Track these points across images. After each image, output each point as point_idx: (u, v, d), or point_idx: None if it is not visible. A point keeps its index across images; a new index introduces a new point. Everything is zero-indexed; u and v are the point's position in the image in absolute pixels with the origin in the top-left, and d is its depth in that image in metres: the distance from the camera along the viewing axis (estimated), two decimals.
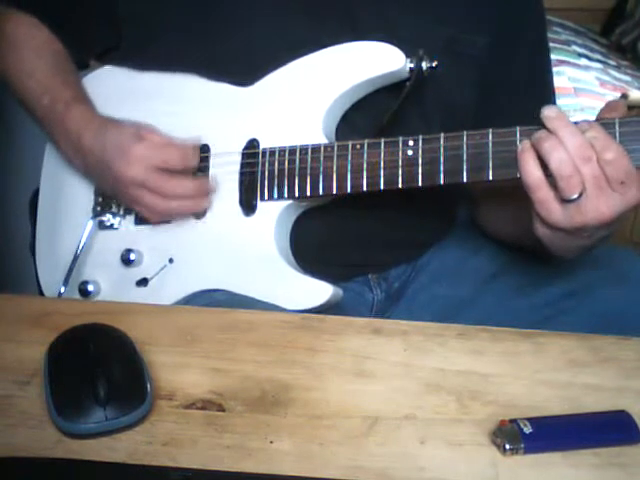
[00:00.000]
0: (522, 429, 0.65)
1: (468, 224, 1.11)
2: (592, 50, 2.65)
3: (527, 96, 1.02)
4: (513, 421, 0.66)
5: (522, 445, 0.65)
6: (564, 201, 0.79)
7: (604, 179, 0.77)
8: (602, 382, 0.74)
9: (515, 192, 0.85)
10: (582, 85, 2.29)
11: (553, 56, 2.52)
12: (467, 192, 1.07)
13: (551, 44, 2.61)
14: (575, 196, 0.78)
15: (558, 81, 2.27)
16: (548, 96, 1.06)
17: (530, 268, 1.01)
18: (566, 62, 2.42)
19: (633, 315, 0.93)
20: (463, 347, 0.78)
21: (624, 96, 1.97)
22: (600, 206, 0.78)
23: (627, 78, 2.46)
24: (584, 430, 0.67)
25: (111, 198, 1.00)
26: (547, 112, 0.81)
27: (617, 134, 0.80)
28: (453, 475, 0.64)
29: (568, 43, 2.62)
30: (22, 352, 0.75)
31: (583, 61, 2.50)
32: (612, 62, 2.59)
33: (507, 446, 0.65)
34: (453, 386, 0.73)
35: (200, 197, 0.95)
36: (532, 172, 0.80)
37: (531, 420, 0.66)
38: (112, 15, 1.00)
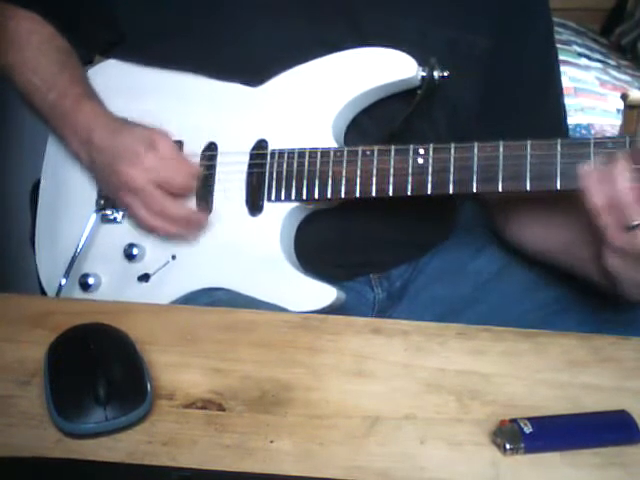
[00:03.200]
0: (522, 429, 0.65)
1: (470, 225, 1.11)
2: (592, 50, 2.65)
3: (534, 96, 1.01)
4: (513, 421, 0.66)
5: (522, 445, 0.65)
6: (626, 228, 0.77)
7: None
8: (602, 382, 0.74)
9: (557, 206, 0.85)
10: (582, 85, 2.29)
11: None
12: (493, 206, 1.05)
13: None
14: (636, 223, 0.77)
15: None
16: (555, 96, 1.06)
17: (532, 269, 1.01)
18: (566, 62, 2.42)
19: (633, 314, 0.93)
20: (463, 347, 0.78)
21: (624, 96, 1.97)
22: None
23: (627, 78, 2.46)
24: (584, 430, 0.67)
25: None
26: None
27: None
28: (453, 475, 0.64)
29: (568, 43, 2.62)
30: (22, 352, 0.75)
31: (583, 61, 2.50)
32: (612, 62, 2.59)
33: (507, 446, 0.65)
34: (453, 386, 0.73)
35: (187, 227, 0.95)
36: (599, 196, 0.78)
37: (531, 420, 0.66)
38: (115, 12, 1.00)
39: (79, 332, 0.73)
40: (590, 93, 2.26)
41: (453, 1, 0.96)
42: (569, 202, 0.87)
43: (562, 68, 2.48)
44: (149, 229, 0.96)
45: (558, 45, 2.59)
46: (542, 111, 1.02)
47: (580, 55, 2.54)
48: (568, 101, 2.14)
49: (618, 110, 2.10)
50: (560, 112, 1.06)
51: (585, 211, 0.80)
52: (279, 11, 0.95)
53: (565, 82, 2.32)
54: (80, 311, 0.82)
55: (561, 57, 2.57)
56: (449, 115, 0.98)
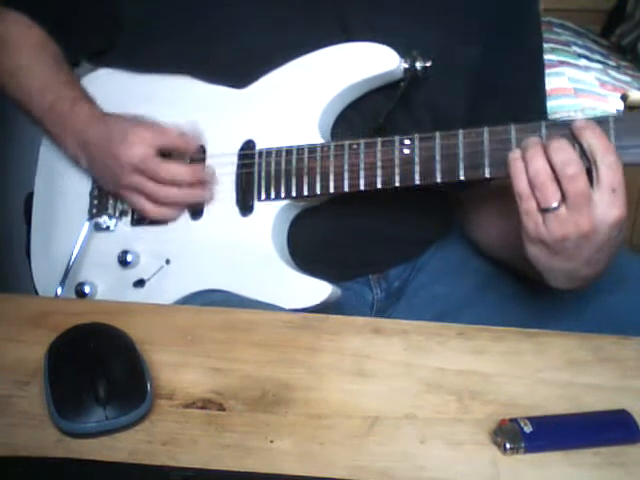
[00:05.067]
0: (522, 428, 0.65)
1: None
2: (592, 51, 2.65)
3: (520, 104, 1.01)
4: (513, 420, 0.66)
5: (523, 444, 0.65)
6: (542, 211, 0.79)
7: (585, 195, 0.78)
8: (602, 382, 0.74)
9: (504, 205, 0.85)
10: (582, 86, 2.29)
11: (553, 57, 2.53)
12: (459, 204, 1.07)
13: (551, 45, 2.62)
14: (553, 205, 0.78)
15: (558, 82, 2.28)
16: (540, 104, 1.06)
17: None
18: (566, 63, 2.42)
19: (633, 317, 0.93)
20: (463, 347, 0.78)
21: (624, 97, 1.97)
22: (579, 219, 0.78)
23: (627, 79, 2.46)
24: (584, 429, 0.67)
25: (107, 199, 1.01)
26: (577, 123, 0.81)
27: (611, 131, 0.80)
28: (453, 474, 0.64)
29: (568, 44, 2.62)
30: (22, 352, 0.75)
31: (583, 62, 2.50)
32: (612, 63, 2.59)
33: (508, 445, 0.65)
34: (453, 386, 0.73)
35: (197, 185, 0.95)
36: (524, 181, 0.80)
37: (532, 419, 0.66)
38: (105, 15, 1.00)
39: (79, 332, 0.73)
40: (590, 94, 2.25)
41: (444, 8, 0.96)
42: (506, 193, 0.88)
43: (562, 69, 2.49)
44: (164, 202, 0.96)
45: (558, 46, 2.59)
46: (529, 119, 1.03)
47: (580, 56, 2.54)
48: (568, 102, 2.14)
49: (618, 111, 2.10)
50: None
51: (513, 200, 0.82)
52: (272, 16, 0.95)
53: (565, 83, 2.33)
54: (80, 311, 0.82)
55: (561, 58, 2.57)
56: (434, 119, 0.98)
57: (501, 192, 0.91)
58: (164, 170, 0.94)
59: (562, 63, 2.40)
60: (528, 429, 0.65)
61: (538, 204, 0.80)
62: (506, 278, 1.02)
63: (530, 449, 0.65)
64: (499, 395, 0.72)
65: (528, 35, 1.03)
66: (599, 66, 2.51)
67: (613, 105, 2.18)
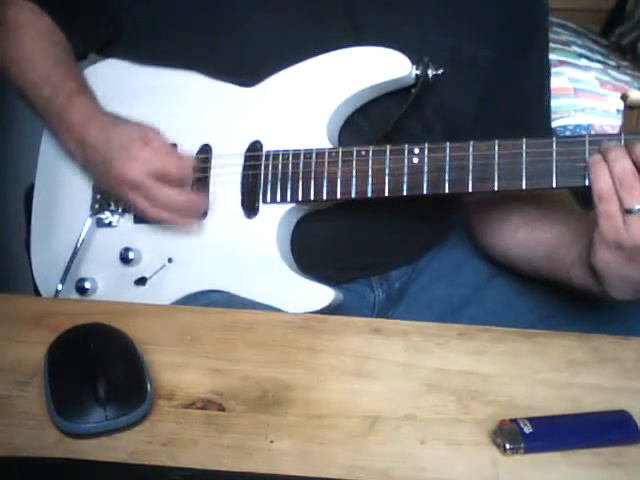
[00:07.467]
0: (522, 429, 0.65)
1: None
2: (592, 50, 2.65)
3: (530, 109, 1.02)
4: (513, 421, 0.66)
5: (522, 445, 0.65)
6: (626, 212, 0.77)
7: None
8: (602, 382, 0.74)
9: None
10: (582, 85, 2.29)
11: (553, 56, 2.53)
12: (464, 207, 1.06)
13: (551, 44, 2.61)
14: (637, 207, 0.77)
15: (558, 81, 2.28)
16: (546, 110, 1.06)
17: None
18: (566, 62, 2.43)
19: (633, 316, 0.93)
20: (463, 347, 0.78)
21: (624, 96, 1.97)
22: None
23: (627, 78, 2.46)
24: (584, 430, 0.67)
25: (110, 195, 1.00)
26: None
27: None
28: (453, 475, 0.64)
29: (568, 43, 2.63)
30: (22, 352, 0.75)
31: (583, 61, 2.51)
32: (612, 62, 2.59)
33: (507, 446, 0.65)
34: (453, 386, 0.73)
35: (190, 212, 0.94)
36: (605, 181, 0.78)
37: (531, 420, 0.66)
38: (111, 7, 0.99)
39: (79, 332, 0.73)
40: (590, 94, 2.26)
41: (455, 10, 0.96)
42: (553, 203, 0.86)
43: (562, 69, 2.49)
44: (154, 221, 0.96)
45: (558, 45, 2.59)
46: (536, 123, 1.02)
47: (580, 56, 2.55)
48: (568, 101, 2.14)
49: (618, 110, 2.10)
50: (550, 125, 1.08)
51: (573, 211, 0.80)
52: (280, 12, 0.95)
53: (565, 83, 2.33)
54: (80, 311, 0.82)
55: (561, 58, 2.57)
56: (444, 122, 0.98)
57: (526, 197, 0.90)
58: (160, 195, 0.92)
59: (562, 63, 2.40)
60: (528, 430, 0.65)
61: (621, 205, 0.78)
62: (506, 279, 1.02)
63: (530, 450, 0.65)
64: (499, 396, 0.72)
65: (537, 35, 1.02)
66: (599, 66, 2.51)
67: (613, 105, 2.18)
